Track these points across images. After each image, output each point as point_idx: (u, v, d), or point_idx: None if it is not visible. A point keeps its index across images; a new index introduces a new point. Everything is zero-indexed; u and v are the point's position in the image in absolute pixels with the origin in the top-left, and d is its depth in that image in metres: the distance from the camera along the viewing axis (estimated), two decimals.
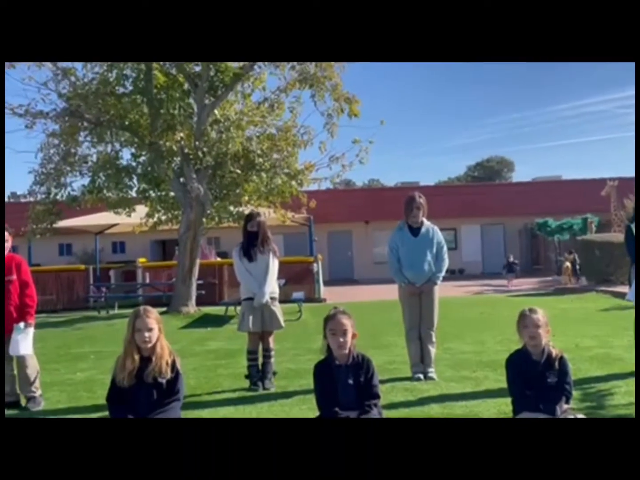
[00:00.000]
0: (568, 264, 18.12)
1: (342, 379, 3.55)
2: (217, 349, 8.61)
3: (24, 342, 5.24)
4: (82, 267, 17.61)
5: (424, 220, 6.07)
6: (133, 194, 14.87)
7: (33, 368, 5.39)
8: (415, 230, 6.02)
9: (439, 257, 6.03)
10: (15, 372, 5.39)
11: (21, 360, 5.31)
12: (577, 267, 17.96)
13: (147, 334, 3.64)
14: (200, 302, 14.31)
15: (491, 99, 77.63)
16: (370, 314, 12.44)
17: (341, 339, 3.53)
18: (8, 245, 5.39)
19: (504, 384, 3.86)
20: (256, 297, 5.72)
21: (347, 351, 3.57)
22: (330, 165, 14.02)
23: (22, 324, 5.24)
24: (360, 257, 26.85)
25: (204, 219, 13.87)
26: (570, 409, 3.58)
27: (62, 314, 14.63)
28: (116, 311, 14.87)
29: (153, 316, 3.73)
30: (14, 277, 5.35)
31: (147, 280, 16.65)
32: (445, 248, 6.10)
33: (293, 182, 14.08)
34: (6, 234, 5.37)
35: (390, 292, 16.20)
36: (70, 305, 16.15)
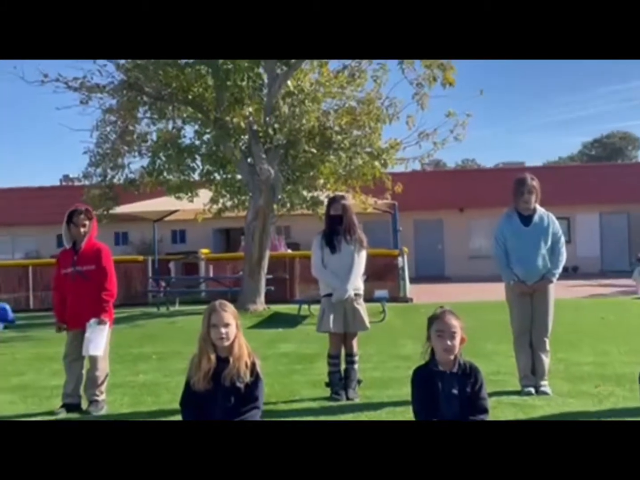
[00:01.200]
0: None
1: (446, 388, 3.56)
2: (290, 352, 8.76)
3: (95, 341, 5.50)
4: (140, 258, 18.30)
5: (537, 206, 5.93)
6: (196, 176, 15.29)
7: (102, 371, 5.67)
8: (526, 219, 5.90)
9: (555, 251, 5.88)
10: (84, 371, 5.68)
11: (92, 360, 5.60)
12: None
13: (223, 330, 3.75)
14: (270, 299, 14.59)
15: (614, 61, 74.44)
16: (466, 317, 12.23)
17: (449, 342, 3.53)
18: (86, 229, 5.65)
19: (634, 402, 3.74)
20: (336, 291, 5.75)
21: (453, 357, 3.56)
22: (419, 142, 13.91)
23: (94, 321, 5.49)
24: (452, 251, 26.53)
25: (274, 205, 14.08)
26: None
27: (120, 309, 15.13)
28: (177, 307, 15.37)
29: (230, 310, 3.84)
30: (93, 267, 5.62)
31: (211, 274, 17.11)
32: (562, 240, 5.95)
33: (376, 163, 14.06)
34: (81, 217, 5.62)
35: (488, 292, 16.08)
36: (127, 300, 16.69)
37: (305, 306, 13.09)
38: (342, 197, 6.03)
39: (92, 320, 5.50)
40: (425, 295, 16.77)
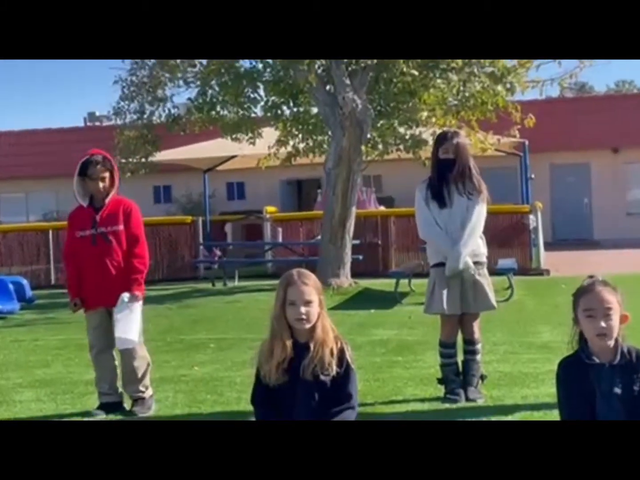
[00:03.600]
0: None
1: (604, 385, 3.52)
2: (388, 339, 8.88)
3: (126, 322, 5.66)
4: (188, 219, 18.66)
5: None
6: (258, 111, 15.43)
7: (142, 359, 5.86)
8: None
9: None
10: (117, 362, 5.91)
11: (127, 349, 5.78)
12: None
13: (304, 309, 3.79)
14: (357, 271, 14.70)
15: None
16: (626, 294, 12.01)
17: (603, 324, 3.48)
18: (106, 184, 5.83)
19: None
20: (449, 259, 5.76)
21: (612, 343, 3.52)
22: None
23: (126, 296, 5.68)
24: (604, 206, 25.91)
25: (362, 147, 14.10)
26: None
27: (163, 285, 15.68)
28: (236, 283, 15.70)
29: (312, 283, 3.87)
30: (121, 227, 5.83)
31: (280, 239, 17.35)
32: None
33: (499, 87, 13.83)
34: (98, 168, 5.80)
35: None
36: (172, 273, 17.24)
37: (404, 280, 13.13)
38: (455, 134, 5.99)
39: (124, 296, 5.66)
40: (566, 266, 16.50)
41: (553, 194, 25.66)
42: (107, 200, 5.83)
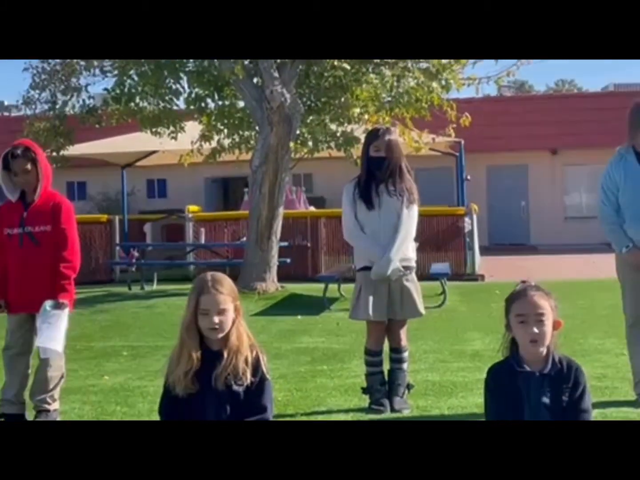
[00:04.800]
0: None
1: (533, 394, 3.55)
2: (314, 347, 8.88)
3: (51, 331, 5.53)
4: (104, 217, 18.48)
5: None
6: (181, 103, 15.31)
7: (58, 370, 5.74)
8: None
9: None
10: (31, 371, 5.78)
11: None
12: None
13: (217, 319, 3.75)
14: (284, 275, 14.70)
15: None
16: (561, 302, 12.20)
17: (536, 329, 3.52)
18: (30, 177, 5.67)
19: None
20: (377, 265, 5.78)
21: (544, 350, 3.56)
22: None
23: (49, 304, 5.54)
24: (541, 209, 26.41)
25: (291, 144, 14.10)
26: None
27: (75, 288, 15.37)
28: (155, 287, 15.54)
29: (227, 290, 3.82)
30: (49, 227, 5.67)
31: (202, 240, 17.26)
32: None
33: (434, 84, 13.98)
34: (19, 161, 5.64)
35: (591, 266, 15.94)
36: (85, 276, 16.74)
37: (334, 285, 13.15)
38: (387, 131, 5.98)
39: (47, 303, 5.55)
40: (501, 271, 16.75)
41: (490, 197, 26.04)
42: (35, 196, 5.70)
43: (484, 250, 20.58)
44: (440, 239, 16.56)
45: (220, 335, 3.79)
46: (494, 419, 3.63)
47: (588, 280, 14.63)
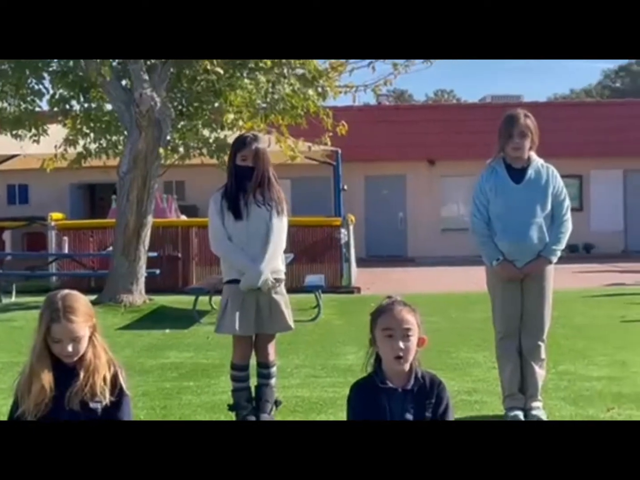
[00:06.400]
0: None
1: (396, 410, 3.61)
2: (181, 362, 8.78)
3: None
4: None
5: (533, 155, 6.08)
6: (44, 105, 14.97)
7: None
8: (517, 173, 6.04)
9: (557, 218, 6.05)
10: None
11: None
12: None
13: (70, 347, 3.68)
14: (153, 287, 14.55)
15: None
16: (434, 314, 12.52)
17: (401, 344, 3.57)
18: None
19: None
20: (247, 276, 5.79)
21: (407, 366, 3.62)
22: (373, 64, 13.96)
23: None
24: (418, 220, 26.91)
25: (161, 150, 13.96)
26: None
27: None
28: (13, 299, 15.13)
29: (81, 316, 3.70)
30: None
31: (66, 250, 16.87)
32: (567, 202, 6.11)
33: (310, 91, 14.08)
34: None
35: (467, 279, 16.31)
36: None
37: (205, 298, 13.07)
38: (254, 139, 5.99)
39: None
40: (378, 284, 16.98)
41: (367, 207, 26.37)
42: None
43: (361, 262, 20.86)
44: (315, 250, 16.67)
45: (75, 359, 3.72)
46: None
47: (463, 293, 14.97)
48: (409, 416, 3.62)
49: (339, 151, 18.61)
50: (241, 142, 5.98)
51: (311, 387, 7.26)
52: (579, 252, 25.60)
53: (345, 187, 20.59)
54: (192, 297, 12.67)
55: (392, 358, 3.61)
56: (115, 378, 3.78)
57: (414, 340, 3.63)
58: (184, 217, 19.09)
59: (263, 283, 5.78)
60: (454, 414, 3.76)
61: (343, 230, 16.96)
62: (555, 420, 3.55)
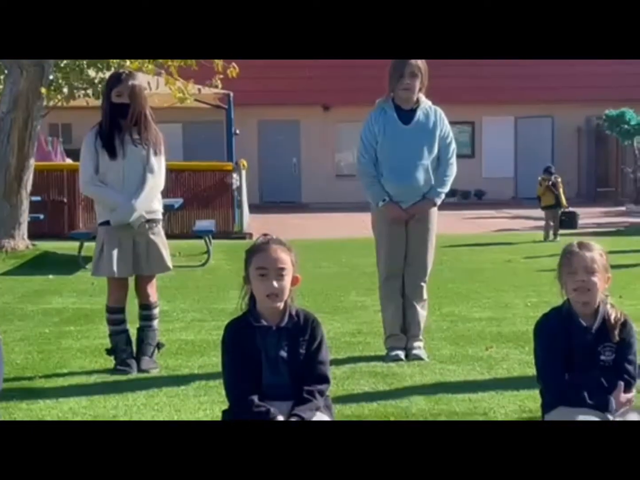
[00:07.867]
0: None
1: (271, 349, 3.65)
2: (63, 308, 8.70)
3: None
4: None
5: (422, 97, 6.14)
6: None
7: None
8: (406, 115, 6.09)
9: (443, 161, 6.15)
10: None
11: None
12: None
13: None
14: (37, 232, 14.32)
15: None
16: (326, 260, 12.64)
17: (275, 284, 3.59)
18: None
19: (533, 368, 4.06)
20: (119, 211, 5.76)
21: (281, 305, 3.65)
22: None
23: None
24: (312, 166, 26.97)
25: (43, 90, 13.62)
26: (632, 404, 3.78)
27: None
28: None
29: None
30: None
31: None
32: (453, 146, 6.22)
33: None
34: None
35: (359, 225, 16.41)
36: None
37: (91, 243, 12.87)
38: (130, 76, 5.92)
39: None
40: (271, 230, 16.62)
41: (261, 153, 26.32)
42: None
43: (255, 208, 20.86)
44: (206, 195, 16.58)
45: None
46: (230, 377, 3.71)
47: (356, 238, 15.11)
48: (283, 353, 3.66)
49: (231, 94, 18.41)
50: (116, 79, 5.90)
51: (196, 330, 7.28)
52: (470, 199, 26.15)
53: (238, 131, 20.47)
54: (77, 243, 12.50)
55: (264, 297, 3.63)
56: None
57: (288, 279, 3.65)
58: (69, 161, 18.69)
59: (135, 220, 5.76)
60: (329, 353, 3.81)
61: (235, 175, 16.90)
62: (555, 421, 3.57)
